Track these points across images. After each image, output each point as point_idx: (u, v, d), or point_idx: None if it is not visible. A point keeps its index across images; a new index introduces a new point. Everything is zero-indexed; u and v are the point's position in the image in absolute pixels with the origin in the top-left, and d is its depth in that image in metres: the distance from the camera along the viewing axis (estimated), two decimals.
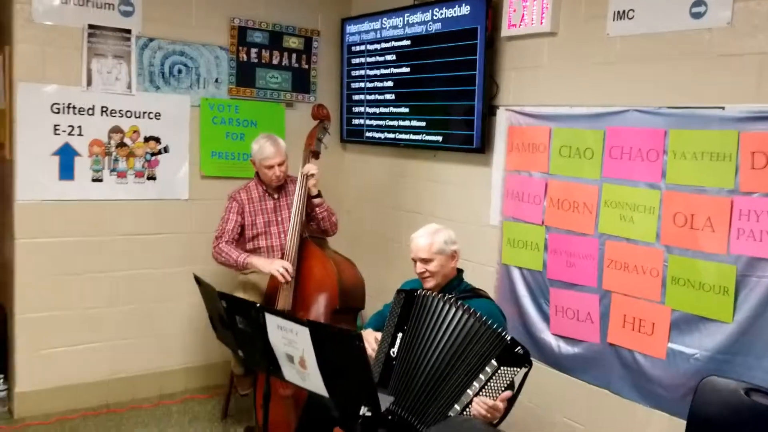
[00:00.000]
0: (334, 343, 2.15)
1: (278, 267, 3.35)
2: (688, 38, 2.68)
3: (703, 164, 2.60)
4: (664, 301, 2.75)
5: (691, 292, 2.65)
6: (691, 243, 2.64)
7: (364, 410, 2.60)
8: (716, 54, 2.59)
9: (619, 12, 2.92)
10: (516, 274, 3.45)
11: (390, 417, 2.52)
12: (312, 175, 3.54)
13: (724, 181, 2.53)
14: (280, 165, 3.59)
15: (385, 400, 2.38)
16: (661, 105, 2.76)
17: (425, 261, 2.71)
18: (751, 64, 2.48)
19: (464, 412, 2.35)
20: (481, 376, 2.36)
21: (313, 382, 2.26)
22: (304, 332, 2.16)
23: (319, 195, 3.61)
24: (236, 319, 2.48)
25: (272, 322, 2.29)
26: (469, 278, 2.91)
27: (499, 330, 2.40)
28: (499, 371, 2.35)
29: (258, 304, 2.40)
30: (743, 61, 2.50)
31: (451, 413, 2.37)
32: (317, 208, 3.61)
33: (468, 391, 2.36)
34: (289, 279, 3.35)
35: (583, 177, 3.08)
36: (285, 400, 3.30)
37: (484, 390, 2.35)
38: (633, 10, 2.87)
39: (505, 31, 3.42)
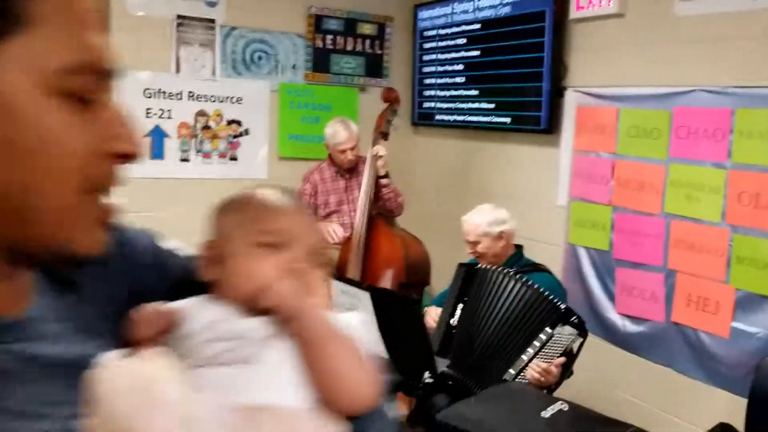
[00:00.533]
0: (394, 307, 2.29)
1: (329, 228, 3.68)
2: (755, 17, 2.65)
3: None
4: (729, 280, 2.75)
5: (755, 272, 2.64)
6: (756, 222, 2.63)
7: (426, 376, 2.75)
8: None
9: None
10: (582, 254, 3.48)
11: (450, 382, 2.64)
12: (380, 156, 3.69)
13: None
14: (352, 149, 3.76)
15: (441, 364, 2.51)
16: (728, 85, 2.75)
17: (472, 243, 2.82)
18: None
19: (519, 376, 2.45)
20: (535, 342, 2.46)
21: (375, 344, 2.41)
22: (366, 297, 2.31)
23: (386, 176, 3.75)
24: None
25: (337, 286, 2.44)
26: (536, 257, 2.98)
27: (554, 299, 2.48)
28: (553, 338, 2.43)
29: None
30: None
31: (506, 377, 2.47)
32: (384, 189, 3.75)
33: (523, 356, 2.46)
34: (335, 240, 3.66)
35: (650, 157, 3.09)
36: None
37: (538, 355, 2.44)
38: None
39: (573, 13, 3.45)
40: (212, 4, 4.15)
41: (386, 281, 3.45)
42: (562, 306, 2.47)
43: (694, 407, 2.93)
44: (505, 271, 2.67)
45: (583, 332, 2.45)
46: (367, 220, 3.60)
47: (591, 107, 3.41)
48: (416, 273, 3.47)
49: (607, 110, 3.31)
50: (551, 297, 2.50)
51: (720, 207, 2.77)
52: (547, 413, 2.03)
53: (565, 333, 2.45)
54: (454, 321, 2.70)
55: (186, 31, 4.10)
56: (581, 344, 2.50)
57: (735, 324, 2.73)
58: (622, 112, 3.23)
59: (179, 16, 4.06)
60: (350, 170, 3.89)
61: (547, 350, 2.44)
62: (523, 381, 2.46)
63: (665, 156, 3.02)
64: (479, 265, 2.76)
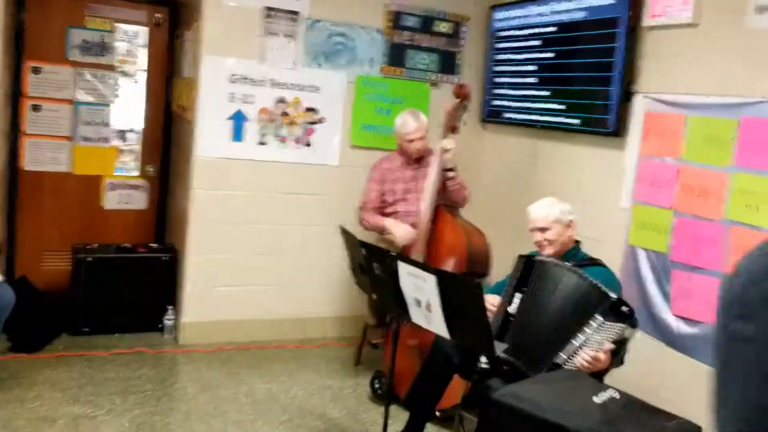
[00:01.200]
0: (457, 289, 2.46)
1: (401, 233, 3.85)
2: None
3: None
4: None
5: None
6: None
7: (482, 361, 2.92)
8: None
9: (759, 6, 2.97)
10: (641, 256, 3.57)
11: (505, 367, 2.80)
12: (448, 149, 3.84)
13: None
14: (420, 139, 3.95)
15: (499, 347, 2.67)
16: None
17: (543, 230, 2.95)
18: None
19: (568, 362, 2.59)
20: (586, 329, 2.59)
21: (437, 323, 2.59)
22: (432, 279, 2.49)
23: (453, 169, 3.91)
24: (373, 266, 2.86)
25: (404, 269, 2.63)
26: (595, 257, 3.11)
27: (606, 290, 2.61)
28: (603, 326, 2.56)
29: (393, 253, 2.77)
30: None
31: (557, 360, 2.62)
32: (449, 181, 3.91)
33: (574, 342, 2.60)
34: (405, 242, 3.82)
35: (715, 164, 3.16)
36: (411, 349, 3.66)
37: (588, 342, 2.58)
38: None
39: (647, 21, 3.54)
40: None
41: (448, 268, 3.62)
42: (614, 296, 2.60)
43: None
44: (562, 263, 2.81)
45: (633, 321, 2.57)
46: (432, 210, 3.78)
47: (659, 113, 3.49)
48: (477, 263, 3.63)
49: (675, 117, 3.39)
50: (603, 288, 2.63)
51: None
52: (599, 398, 2.18)
53: (615, 322, 2.57)
54: (512, 309, 2.85)
55: (272, 21, 4.35)
56: (631, 334, 2.61)
57: None
58: (689, 119, 3.31)
59: (267, 8, 4.31)
60: (418, 160, 4.07)
61: (597, 337, 2.57)
62: (573, 367, 2.61)
63: (730, 163, 3.09)
64: (537, 257, 2.91)
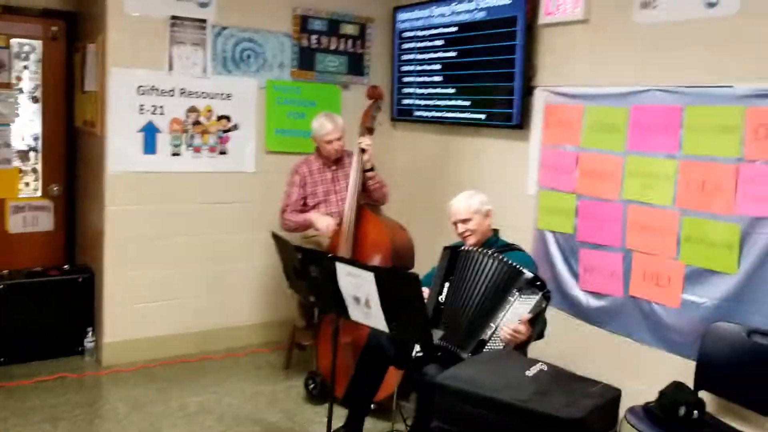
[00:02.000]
0: (396, 284, 2.60)
1: (324, 223, 3.97)
2: (703, 25, 3.03)
3: (714, 136, 2.96)
4: (679, 257, 3.13)
5: (702, 249, 3.02)
6: (702, 206, 3.01)
7: (416, 350, 3.07)
8: (726, 39, 2.94)
9: (644, 2, 3.28)
10: (550, 238, 3.84)
11: (439, 353, 2.96)
12: (366, 149, 3.97)
13: (732, 151, 2.89)
14: (338, 140, 4.06)
15: (436, 335, 2.83)
16: (679, 84, 3.12)
17: (464, 221, 3.15)
18: (756, 48, 2.82)
19: (493, 336, 2.83)
20: (506, 305, 2.85)
21: (376, 319, 2.71)
22: (370, 276, 2.60)
23: (372, 168, 4.04)
24: (310, 268, 2.94)
25: (342, 270, 2.73)
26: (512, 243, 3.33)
27: (520, 268, 2.87)
28: (520, 299, 2.83)
29: (330, 254, 2.87)
30: (749, 45, 2.85)
31: (483, 337, 2.85)
32: (369, 181, 4.05)
33: (497, 319, 2.86)
34: (329, 232, 3.94)
35: (610, 149, 3.45)
36: (345, 346, 3.76)
37: (508, 316, 2.83)
38: (656, 0, 3.22)
39: (542, 19, 3.81)
40: (204, 5, 4.38)
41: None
42: (528, 272, 2.86)
43: (650, 371, 3.30)
44: (484, 251, 3.01)
45: (546, 293, 2.84)
46: (355, 210, 3.90)
47: (558, 105, 3.77)
48: (402, 258, 3.78)
49: (572, 107, 3.66)
50: (518, 267, 2.88)
51: (671, 193, 3.15)
52: (530, 372, 2.39)
53: (530, 295, 2.84)
54: (442, 298, 3.03)
55: (179, 30, 4.32)
56: (546, 305, 2.87)
57: (685, 296, 3.11)
58: (585, 109, 3.59)
59: (173, 17, 4.28)
60: (336, 162, 4.18)
61: (518, 310, 2.83)
62: (498, 341, 2.82)
63: (623, 149, 3.38)
64: (462, 247, 3.09)
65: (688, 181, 3.07)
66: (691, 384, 2.93)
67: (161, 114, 4.35)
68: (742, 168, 2.85)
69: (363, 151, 3.96)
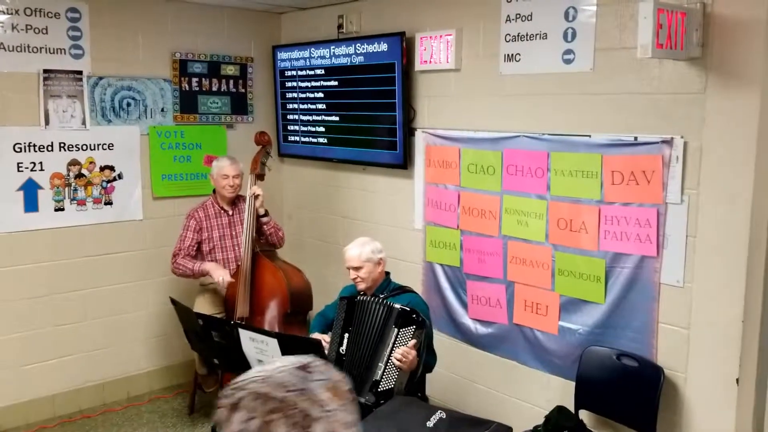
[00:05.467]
0: (299, 350, 2.72)
1: (220, 274, 3.98)
2: (562, 79, 3.34)
3: (577, 180, 3.28)
4: (554, 288, 3.45)
5: (573, 281, 3.35)
6: (571, 242, 3.34)
7: None
8: (583, 92, 3.26)
9: (508, 55, 3.56)
10: (438, 270, 4.08)
11: None
12: (257, 196, 4.05)
13: (593, 193, 3.22)
14: (235, 177, 4.13)
15: None
16: (544, 132, 3.43)
17: (356, 269, 3.31)
18: (609, 101, 3.16)
19: (386, 368, 3.05)
20: (388, 341, 3.07)
21: None
22: (273, 342, 2.71)
23: (266, 214, 4.13)
24: (212, 333, 3.01)
25: (245, 335, 2.83)
26: (399, 275, 3.53)
27: (392, 304, 3.12)
28: (400, 332, 3.07)
29: (232, 321, 2.95)
30: (603, 99, 3.18)
31: (375, 378, 3.05)
32: (265, 226, 4.13)
33: (384, 354, 3.07)
34: (225, 284, 3.98)
35: (488, 189, 3.72)
36: None
37: (395, 349, 3.05)
38: (519, 54, 3.51)
39: (418, 66, 4.02)
40: (78, 56, 4.28)
41: (273, 312, 3.85)
42: (398, 307, 3.11)
43: (536, 392, 3.62)
44: (378, 299, 3.20)
45: (420, 323, 3.09)
46: (250, 257, 3.97)
47: (437, 146, 4.00)
48: (300, 301, 3.90)
49: (451, 149, 3.91)
50: (393, 305, 3.12)
51: (544, 230, 3.46)
52: (430, 422, 2.58)
53: (407, 327, 3.08)
54: (342, 349, 3.18)
55: (53, 84, 4.20)
56: (423, 331, 3.11)
57: (561, 323, 3.44)
58: (463, 151, 3.85)
59: (46, 71, 4.15)
60: (232, 206, 4.23)
61: (399, 342, 3.06)
62: (388, 377, 3.04)
63: (499, 188, 3.67)
64: (358, 297, 3.26)
65: (558, 219, 3.39)
66: (572, 403, 3.26)
67: (41, 170, 4.22)
68: (603, 209, 3.19)
69: (256, 197, 4.04)
